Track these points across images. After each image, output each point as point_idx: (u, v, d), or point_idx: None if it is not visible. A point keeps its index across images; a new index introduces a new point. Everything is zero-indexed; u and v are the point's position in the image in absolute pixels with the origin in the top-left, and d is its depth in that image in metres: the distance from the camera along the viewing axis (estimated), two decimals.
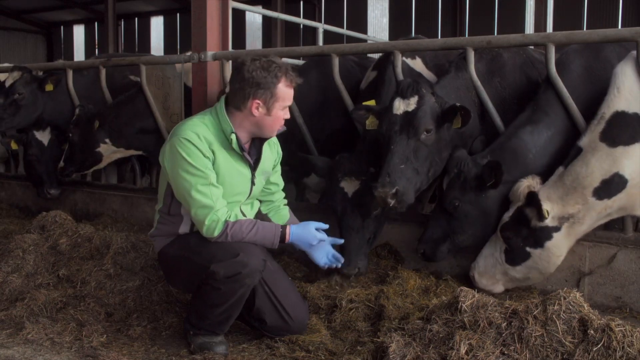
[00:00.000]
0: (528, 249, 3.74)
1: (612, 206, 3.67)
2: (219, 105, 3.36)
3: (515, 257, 3.80)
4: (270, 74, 3.23)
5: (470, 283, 3.97)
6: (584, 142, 3.69)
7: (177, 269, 3.39)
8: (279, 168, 3.78)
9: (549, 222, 3.66)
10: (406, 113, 3.87)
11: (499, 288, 3.92)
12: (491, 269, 3.88)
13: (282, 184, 3.83)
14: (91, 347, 3.38)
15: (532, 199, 3.62)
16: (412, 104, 3.89)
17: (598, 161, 3.59)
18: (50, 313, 3.78)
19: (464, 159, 4.00)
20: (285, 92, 3.29)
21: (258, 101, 3.25)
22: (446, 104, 3.93)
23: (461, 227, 4.03)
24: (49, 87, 6.16)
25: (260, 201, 3.76)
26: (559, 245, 3.71)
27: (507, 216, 3.78)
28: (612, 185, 3.60)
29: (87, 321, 3.64)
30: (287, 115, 3.38)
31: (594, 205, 3.64)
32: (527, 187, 3.71)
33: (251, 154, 3.44)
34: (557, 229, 3.68)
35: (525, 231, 3.72)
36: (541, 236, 3.70)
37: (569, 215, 3.66)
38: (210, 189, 3.21)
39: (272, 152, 3.63)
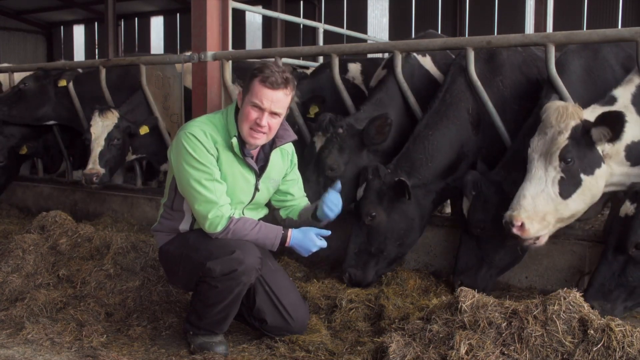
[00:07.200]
0: (582, 175, 3.42)
1: (630, 173, 3.58)
2: (231, 106, 3.35)
3: (569, 187, 3.40)
4: (257, 69, 3.20)
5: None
6: (617, 93, 3.66)
7: (176, 267, 3.39)
8: (293, 178, 3.64)
9: (603, 149, 3.45)
10: (358, 200, 4.18)
11: (546, 235, 3.44)
12: (543, 208, 3.36)
13: (298, 194, 3.67)
14: (91, 347, 3.37)
15: (614, 117, 3.30)
16: (360, 191, 4.17)
17: (630, 123, 3.44)
18: (50, 313, 3.78)
19: (479, 180, 3.89)
20: (258, 88, 3.14)
21: (241, 93, 3.27)
22: (394, 182, 4.02)
23: (495, 247, 3.89)
24: (62, 83, 6.23)
25: (278, 208, 3.69)
26: (603, 177, 3.50)
27: (564, 138, 3.39)
28: (634, 151, 3.53)
29: (87, 321, 3.64)
30: (261, 120, 3.16)
31: (622, 159, 3.54)
32: (576, 106, 3.43)
33: (258, 160, 3.40)
34: (602, 159, 3.49)
35: (584, 154, 3.41)
36: (595, 162, 3.46)
37: (607, 153, 3.51)
38: (214, 185, 3.19)
39: (283, 161, 3.53)
